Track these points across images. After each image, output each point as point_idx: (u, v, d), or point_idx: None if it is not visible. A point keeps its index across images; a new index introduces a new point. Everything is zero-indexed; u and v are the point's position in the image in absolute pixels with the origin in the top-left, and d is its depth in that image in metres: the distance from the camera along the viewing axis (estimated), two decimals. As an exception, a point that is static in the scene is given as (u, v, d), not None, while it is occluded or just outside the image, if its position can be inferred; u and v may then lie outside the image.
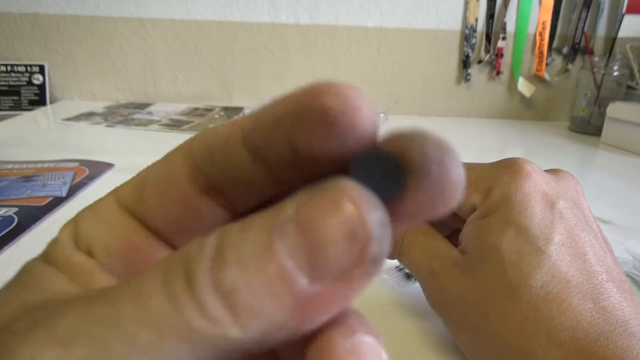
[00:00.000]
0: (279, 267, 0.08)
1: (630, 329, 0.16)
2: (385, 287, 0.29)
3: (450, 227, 0.26)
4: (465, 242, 0.21)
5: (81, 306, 0.09)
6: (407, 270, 0.31)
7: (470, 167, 0.22)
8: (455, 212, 0.25)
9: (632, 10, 0.87)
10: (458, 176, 0.09)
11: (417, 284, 0.24)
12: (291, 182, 0.10)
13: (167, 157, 0.12)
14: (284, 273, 0.08)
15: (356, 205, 0.08)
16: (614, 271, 0.18)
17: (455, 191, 0.09)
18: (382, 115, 0.60)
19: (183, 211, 0.12)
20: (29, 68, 0.89)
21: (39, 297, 0.11)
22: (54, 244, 0.13)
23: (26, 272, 0.12)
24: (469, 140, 0.77)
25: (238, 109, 0.87)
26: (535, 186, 0.20)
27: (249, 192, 0.11)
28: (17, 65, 0.88)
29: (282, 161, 0.10)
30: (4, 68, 0.88)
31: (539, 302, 0.17)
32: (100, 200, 0.13)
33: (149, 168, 0.12)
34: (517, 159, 0.21)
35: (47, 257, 0.12)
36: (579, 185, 0.22)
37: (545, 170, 0.22)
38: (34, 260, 0.12)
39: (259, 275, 0.08)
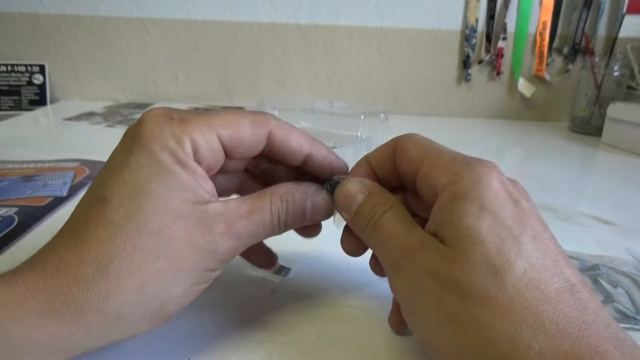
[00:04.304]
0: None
1: (606, 321, 0.17)
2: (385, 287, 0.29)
3: (391, 184, 0.25)
4: (437, 225, 0.20)
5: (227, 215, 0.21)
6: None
7: (444, 151, 0.22)
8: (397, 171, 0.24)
9: (632, 10, 0.87)
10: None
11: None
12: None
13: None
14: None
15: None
16: (575, 269, 0.19)
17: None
18: (382, 115, 0.60)
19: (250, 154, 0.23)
20: (29, 68, 0.89)
21: (191, 199, 0.19)
22: (181, 150, 0.19)
23: (169, 174, 0.19)
24: (469, 141, 0.77)
25: (238, 109, 0.87)
26: (503, 184, 0.20)
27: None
28: (17, 65, 0.88)
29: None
30: (4, 68, 0.88)
31: (523, 289, 0.17)
32: (206, 130, 0.20)
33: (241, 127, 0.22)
34: (486, 160, 0.21)
35: (180, 161, 0.19)
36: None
37: None
38: (168, 159, 0.19)
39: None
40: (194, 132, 0.20)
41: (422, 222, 0.22)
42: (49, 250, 0.18)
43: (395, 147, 0.24)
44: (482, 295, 0.17)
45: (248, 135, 0.22)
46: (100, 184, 0.19)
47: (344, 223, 0.25)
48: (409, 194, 0.25)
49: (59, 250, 0.18)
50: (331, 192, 0.25)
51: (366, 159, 0.25)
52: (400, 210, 0.23)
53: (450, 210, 0.20)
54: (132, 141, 0.20)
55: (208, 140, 0.20)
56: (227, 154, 0.22)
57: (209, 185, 0.21)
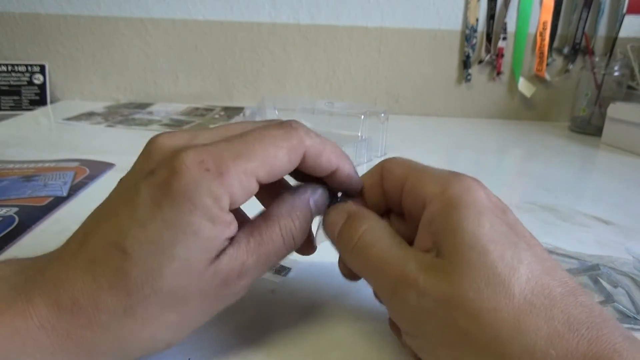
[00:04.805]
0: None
1: (613, 321, 0.17)
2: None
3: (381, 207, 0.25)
4: (434, 235, 0.20)
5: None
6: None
7: (428, 167, 0.23)
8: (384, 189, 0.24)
9: (632, 10, 0.87)
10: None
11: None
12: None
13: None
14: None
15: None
16: (568, 274, 0.19)
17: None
18: (382, 115, 0.60)
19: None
20: (29, 68, 0.89)
21: (211, 257, 0.19)
22: (217, 207, 0.18)
23: (195, 235, 0.18)
24: (469, 141, 0.77)
25: (238, 109, 0.87)
26: (488, 196, 0.21)
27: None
28: (17, 65, 0.88)
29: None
30: (4, 68, 0.88)
31: (530, 296, 0.17)
32: (244, 179, 0.19)
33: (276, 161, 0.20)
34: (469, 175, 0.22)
35: (211, 217, 0.18)
36: None
37: None
38: (198, 220, 0.18)
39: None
40: (233, 186, 0.19)
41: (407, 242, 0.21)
42: (63, 280, 0.18)
43: (382, 170, 0.24)
44: (494, 307, 0.17)
45: (285, 166, 0.21)
46: (120, 228, 0.18)
47: (324, 241, 0.25)
48: (394, 217, 0.25)
49: (72, 287, 0.18)
50: None
51: None
52: (381, 228, 0.22)
53: (447, 217, 0.19)
54: (162, 193, 0.18)
55: (245, 187, 0.19)
56: (260, 183, 0.20)
57: (232, 229, 0.20)
